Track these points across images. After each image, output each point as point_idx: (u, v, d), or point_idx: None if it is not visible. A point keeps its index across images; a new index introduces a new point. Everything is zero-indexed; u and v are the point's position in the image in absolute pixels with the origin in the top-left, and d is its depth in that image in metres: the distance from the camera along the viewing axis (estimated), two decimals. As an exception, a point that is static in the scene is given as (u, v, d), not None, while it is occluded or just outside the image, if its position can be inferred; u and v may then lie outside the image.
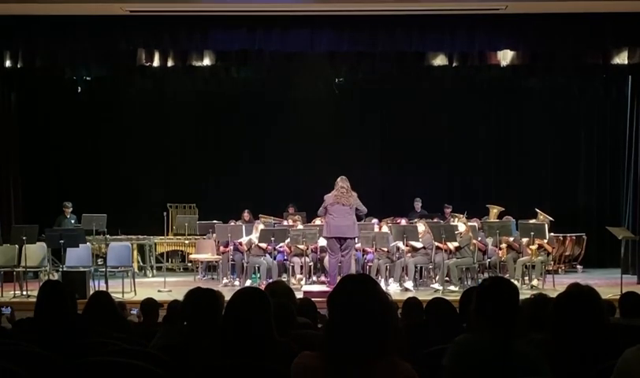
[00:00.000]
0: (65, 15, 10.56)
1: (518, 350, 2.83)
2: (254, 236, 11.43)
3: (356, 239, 10.63)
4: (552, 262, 11.60)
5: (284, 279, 10.52)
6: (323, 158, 13.88)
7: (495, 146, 14.81)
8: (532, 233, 10.83)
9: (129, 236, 12.64)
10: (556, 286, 10.35)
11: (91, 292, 8.97)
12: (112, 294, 5.57)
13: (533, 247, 10.93)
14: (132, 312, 6.35)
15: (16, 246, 10.46)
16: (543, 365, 2.81)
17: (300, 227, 11.80)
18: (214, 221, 12.42)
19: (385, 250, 11.16)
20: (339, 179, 10.26)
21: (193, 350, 3.39)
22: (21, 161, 13.01)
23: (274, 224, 12.49)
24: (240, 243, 11.46)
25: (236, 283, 11.31)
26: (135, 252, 12.51)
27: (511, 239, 11.29)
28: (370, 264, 11.28)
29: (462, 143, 14.56)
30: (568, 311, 3.09)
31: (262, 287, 7.05)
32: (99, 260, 11.80)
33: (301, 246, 11.17)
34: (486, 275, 11.43)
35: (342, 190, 10.14)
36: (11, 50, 11.27)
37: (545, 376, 2.79)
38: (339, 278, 7.10)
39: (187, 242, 12.94)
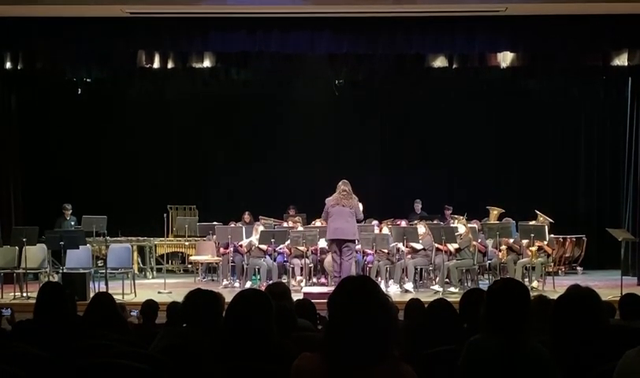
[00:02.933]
0: (65, 17, 10.55)
1: (530, 349, 2.84)
2: (255, 238, 11.43)
3: (356, 242, 10.64)
4: (552, 264, 11.60)
5: (284, 281, 10.51)
6: (323, 160, 13.88)
7: (495, 148, 14.78)
8: (532, 235, 10.83)
9: (129, 238, 12.63)
10: (556, 287, 10.35)
11: (91, 294, 9.02)
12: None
13: (534, 249, 10.93)
14: (131, 313, 6.35)
15: (17, 247, 10.45)
16: (554, 364, 2.82)
17: (300, 228, 11.80)
18: (214, 223, 12.42)
19: (385, 251, 11.16)
20: (341, 182, 10.34)
21: (193, 351, 3.38)
22: (21, 162, 12.99)
23: (274, 225, 12.49)
24: (240, 245, 11.45)
25: (236, 284, 11.33)
26: (136, 253, 12.49)
27: (511, 240, 11.28)
28: (370, 265, 11.27)
29: (462, 145, 14.53)
30: (568, 313, 3.09)
31: (263, 288, 7.05)
32: (99, 261, 11.79)
33: (301, 248, 11.17)
34: (486, 276, 11.45)
35: (343, 193, 10.22)
36: (11, 51, 11.26)
37: (556, 375, 2.81)
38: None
39: (187, 243, 12.93)
